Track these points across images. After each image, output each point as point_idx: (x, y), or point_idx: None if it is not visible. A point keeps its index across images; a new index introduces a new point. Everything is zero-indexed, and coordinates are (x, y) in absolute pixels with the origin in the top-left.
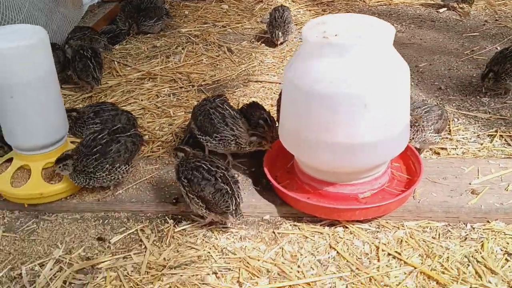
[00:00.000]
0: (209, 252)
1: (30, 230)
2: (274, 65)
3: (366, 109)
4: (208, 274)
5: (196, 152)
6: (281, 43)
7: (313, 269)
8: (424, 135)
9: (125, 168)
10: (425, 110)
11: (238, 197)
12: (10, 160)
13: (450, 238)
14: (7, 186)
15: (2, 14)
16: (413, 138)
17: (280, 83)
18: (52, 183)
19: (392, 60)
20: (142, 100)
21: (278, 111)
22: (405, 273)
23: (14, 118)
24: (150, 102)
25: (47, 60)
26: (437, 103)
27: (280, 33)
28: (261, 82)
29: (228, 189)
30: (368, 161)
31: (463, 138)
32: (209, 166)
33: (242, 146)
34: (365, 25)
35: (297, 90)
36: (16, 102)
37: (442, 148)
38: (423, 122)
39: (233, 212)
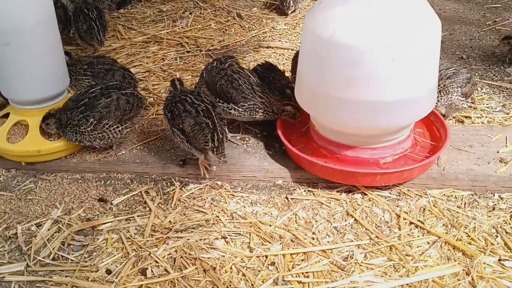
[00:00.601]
0: (217, 216)
1: (27, 190)
2: (286, 32)
3: (394, 63)
4: (217, 238)
5: (187, 88)
6: (292, 12)
7: (329, 236)
8: (451, 97)
9: (117, 128)
10: (453, 71)
11: (221, 133)
12: (7, 115)
13: (476, 207)
14: (3, 142)
15: None
16: (438, 101)
17: (293, 50)
18: (50, 140)
19: (424, 12)
20: (147, 63)
21: (294, 77)
22: (428, 243)
23: (10, 67)
24: (155, 65)
25: (47, 4)
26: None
27: (291, 1)
28: (272, 48)
29: (210, 123)
30: (393, 122)
31: (487, 107)
32: (193, 99)
33: (270, 114)
34: None
35: (317, 40)
36: (13, 49)
37: (466, 117)
38: (450, 84)
39: (214, 148)
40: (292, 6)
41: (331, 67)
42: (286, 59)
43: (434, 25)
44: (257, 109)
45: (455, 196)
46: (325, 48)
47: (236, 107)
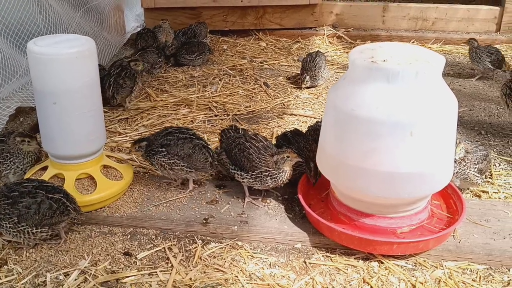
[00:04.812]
0: (236, 276)
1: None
2: (310, 101)
3: (412, 138)
4: None
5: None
6: (308, 88)
7: None
8: (468, 172)
9: (30, 231)
10: (470, 148)
11: (212, 151)
12: (45, 168)
13: (491, 282)
14: None
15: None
16: (455, 174)
17: (315, 118)
18: (84, 194)
19: (441, 90)
20: (177, 125)
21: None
22: None
23: (54, 125)
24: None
25: (93, 69)
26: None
27: (308, 77)
28: (295, 115)
29: (203, 143)
30: (409, 193)
31: (505, 183)
32: (178, 130)
33: (281, 176)
34: (415, 53)
35: (339, 113)
36: (59, 108)
37: (484, 191)
38: (467, 159)
39: (210, 164)
40: (307, 81)
41: (351, 138)
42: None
43: (451, 103)
44: (264, 178)
45: (471, 269)
46: (346, 121)
47: (247, 175)
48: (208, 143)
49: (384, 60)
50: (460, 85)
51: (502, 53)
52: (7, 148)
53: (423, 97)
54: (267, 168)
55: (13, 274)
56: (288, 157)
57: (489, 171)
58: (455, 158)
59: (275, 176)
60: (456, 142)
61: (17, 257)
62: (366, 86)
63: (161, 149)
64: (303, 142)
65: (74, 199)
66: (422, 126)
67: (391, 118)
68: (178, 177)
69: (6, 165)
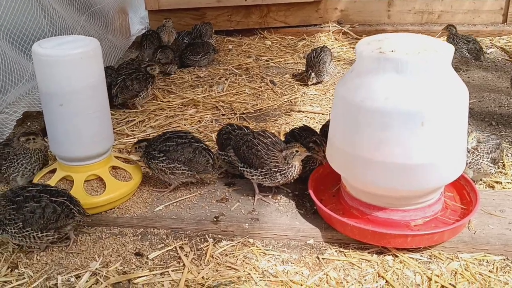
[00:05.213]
0: (249, 274)
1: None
2: (317, 97)
3: (423, 128)
4: None
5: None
6: (314, 84)
7: None
8: (481, 162)
9: (36, 235)
10: (482, 137)
11: (212, 153)
12: (53, 171)
13: (509, 272)
14: None
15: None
16: (468, 165)
17: (323, 114)
18: (93, 195)
19: (451, 79)
20: (184, 125)
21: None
22: None
23: (61, 127)
24: (192, 126)
25: (98, 69)
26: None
27: (313, 73)
28: (303, 112)
29: (203, 145)
30: (422, 184)
31: None
32: (177, 134)
33: (290, 172)
34: (423, 43)
35: (348, 105)
36: (65, 110)
37: (497, 182)
38: (480, 148)
39: (212, 166)
40: (313, 78)
41: (361, 130)
42: (317, 123)
43: (461, 92)
44: (273, 174)
45: (487, 261)
46: (355, 113)
47: (256, 172)
48: (208, 145)
49: (392, 51)
50: (468, 77)
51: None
52: (13, 150)
53: (433, 87)
54: (276, 164)
55: (24, 278)
56: (297, 151)
57: (502, 161)
58: (467, 148)
59: (284, 171)
60: (468, 132)
61: (27, 260)
62: (375, 77)
63: (158, 155)
64: (307, 134)
65: (78, 202)
66: (433, 116)
67: (401, 108)
68: (179, 181)
69: (14, 168)
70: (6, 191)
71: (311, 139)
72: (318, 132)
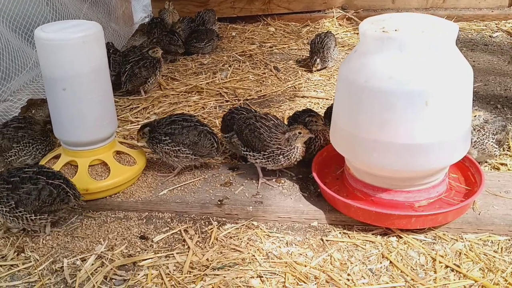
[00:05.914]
0: (253, 256)
1: (74, 226)
2: (321, 82)
3: (427, 107)
4: (253, 277)
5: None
6: (318, 70)
7: (364, 278)
8: (486, 142)
9: (29, 217)
10: (491, 118)
11: (217, 137)
12: (58, 156)
13: None
14: None
15: None
16: (472, 144)
17: (327, 99)
18: (97, 180)
19: (456, 58)
20: (188, 111)
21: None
22: (464, 287)
23: (64, 111)
24: (196, 113)
25: (100, 53)
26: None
27: (318, 59)
28: (307, 97)
29: (208, 128)
30: (425, 165)
31: None
32: (182, 117)
33: (294, 153)
34: (427, 22)
35: (352, 85)
36: (68, 94)
37: (502, 164)
38: (486, 127)
39: (216, 150)
40: (318, 64)
41: (365, 110)
42: (321, 107)
43: (466, 71)
44: (276, 156)
45: (492, 241)
46: (359, 93)
47: (259, 156)
48: (213, 129)
49: (395, 30)
50: (474, 61)
51: None
52: (30, 134)
53: (437, 66)
54: (279, 146)
55: (30, 261)
56: (300, 133)
57: (507, 143)
58: (472, 126)
59: (287, 153)
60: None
61: (33, 244)
62: (378, 56)
63: (165, 138)
64: (304, 116)
65: (74, 186)
66: (437, 95)
67: (405, 87)
68: (182, 164)
69: (26, 151)
70: (1, 171)
71: (310, 113)
72: (323, 116)
